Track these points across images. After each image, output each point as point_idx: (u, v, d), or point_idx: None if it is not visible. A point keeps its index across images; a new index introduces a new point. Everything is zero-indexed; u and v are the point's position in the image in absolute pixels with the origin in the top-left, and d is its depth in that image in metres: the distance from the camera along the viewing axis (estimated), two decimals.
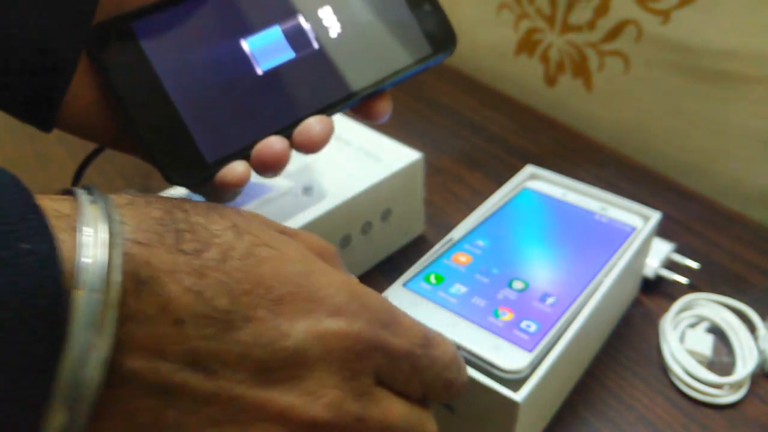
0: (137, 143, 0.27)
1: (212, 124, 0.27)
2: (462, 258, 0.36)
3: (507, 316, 0.32)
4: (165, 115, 0.26)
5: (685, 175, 0.57)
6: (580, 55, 0.63)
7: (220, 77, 0.27)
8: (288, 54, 0.29)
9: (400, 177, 0.44)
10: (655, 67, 0.56)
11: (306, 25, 0.29)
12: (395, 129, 0.48)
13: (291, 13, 0.29)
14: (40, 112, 0.25)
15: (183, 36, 0.27)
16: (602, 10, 0.58)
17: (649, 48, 0.56)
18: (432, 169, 0.56)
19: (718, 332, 0.40)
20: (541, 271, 0.35)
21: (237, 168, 0.27)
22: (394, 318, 0.23)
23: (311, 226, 0.39)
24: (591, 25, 0.60)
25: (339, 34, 0.30)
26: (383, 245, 0.46)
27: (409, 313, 0.31)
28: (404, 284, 0.34)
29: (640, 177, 0.56)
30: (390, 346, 0.22)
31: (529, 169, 0.43)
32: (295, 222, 0.38)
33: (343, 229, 0.42)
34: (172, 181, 0.26)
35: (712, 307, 0.41)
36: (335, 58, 0.29)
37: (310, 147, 0.28)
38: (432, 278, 0.34)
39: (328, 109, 0.29)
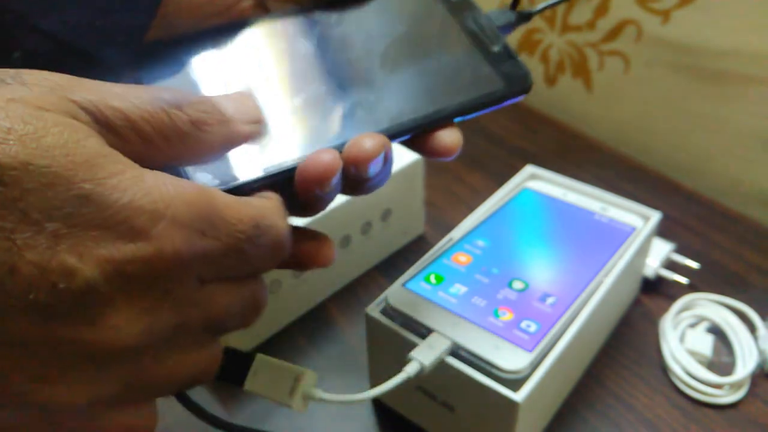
0: None
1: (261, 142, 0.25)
2: (462, 258, 0.36)
3: (507, 316, 0.32)
4: None
5: (685, 175, 0.57)
6: (580, 55, 0.63)
7: (269, 100, 0.26)
8: (342, 79, 0.28)
9: (400, 177, 0.44)
10: (655, 67, 0.56)
11: (362, 51, 0.28)
12: None
13: (348, 38, 0.28)
14: None
15: (230, 57, 0.27)
16: (602, 10, 0.58)
17: (649, 48, 0.56)
18: (432, 169, 0.56)
19: (718, 332, 0.40)
20: (541, 271, 0.35)
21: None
22: (213, 219, 0.19)
23: (311, 227, 0.39)
24: (591, 25, 0.60)
25: (398, 65, 0.28)
26: (383, 245, 0.46)
27: (409, 313, 0.31)
28: (404, 284, 0.34)
29: (640, 177, 0.56)
30: (211, 253, 0.19)
31: (529, 169, 0.43)
32: (294, 222, 0.38)
33: (343, 229, 0.42)
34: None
35: (712, 307, 0.41)
36: (393, 87, 0.28)
37: (361, 159, 0.24)
38: (432, 278, 0.34)
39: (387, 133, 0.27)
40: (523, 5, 0.31)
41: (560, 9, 0.62)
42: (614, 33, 0.58)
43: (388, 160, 0.25)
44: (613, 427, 0.35)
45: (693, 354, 0.38)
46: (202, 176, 0.24)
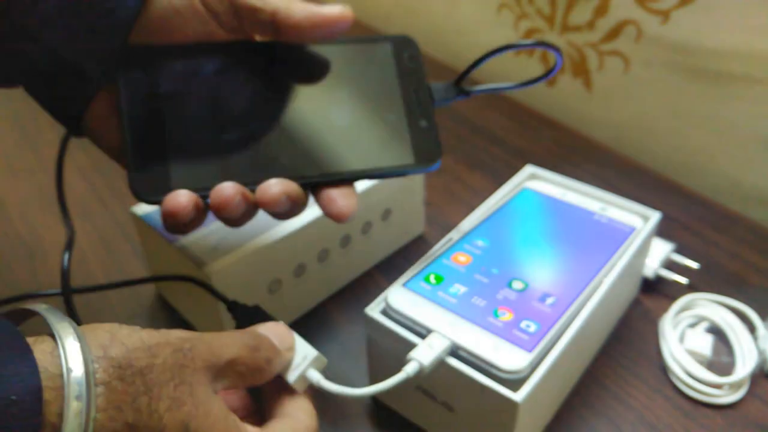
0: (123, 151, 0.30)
1: (191, 159, 0.29)
2: (462, 258, 0.36)
3: (507, 316, 0.32)
4: (153, 135, 0.29)
5: (685, 175, 0.57)
6: (580, 55, 0.63)
7: (213, 122, 0.30)
8: (277, 120, 0.31)
9: (401, 177, 0.44)
10: (655, 67, 0.57)
11: (303, 102, 0.31)
12: None
13: (291, 86, 0.32)
14: (70, 116, 0.30)
15: (194, 76, 0.31)
16: (602, 10, 0.58)
17: (649, 48, 0.56)
18: None
19: (717, 332, 0.40)
20: (541, 271, 0.35)
21: (179, 198, 0.27)
22: None
23: (311, 226, 0.39)
24: (591, 25, 0.60)
25: (330, 119, 0.31)
26: (383, 245, 0.46)
27: (408, 313, 0.32)
28: (404, 284, 0.34)
29: (640, 177, 0.56)
30: None
31: (529, 169, 0.44)
32: (295, 222, 0.38)
33: (343, 229, 0.42)
34: (133, 191, 0.28)
35: (711, 307, 0.41)
36: (319, 137, 0.31)
37: (268, 204, 0.28)
38: (432, 278, 0.34)
39: (296, 179, 0.30)
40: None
41: (560, 9, 0.62)
42: (614, 33, 0.58)
43: (293, 201, 0.29)
44: (613, 427, 0.35)
45: (692, 354, 0.38)
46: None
